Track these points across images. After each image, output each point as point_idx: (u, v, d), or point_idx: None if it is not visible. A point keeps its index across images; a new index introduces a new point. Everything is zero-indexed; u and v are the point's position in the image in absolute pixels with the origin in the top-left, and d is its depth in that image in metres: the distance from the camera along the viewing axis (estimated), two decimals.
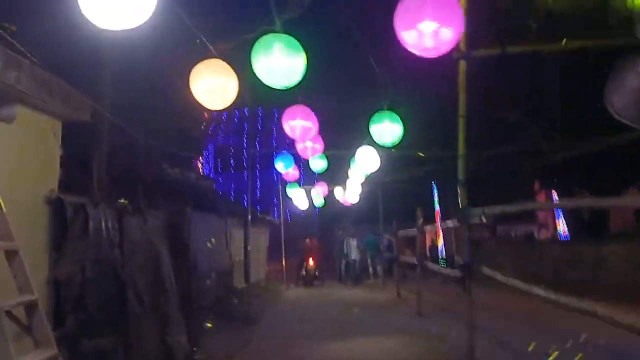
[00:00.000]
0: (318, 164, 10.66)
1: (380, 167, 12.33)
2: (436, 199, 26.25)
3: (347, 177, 13.71)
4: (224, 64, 4.16)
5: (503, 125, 15.09)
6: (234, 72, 4.22)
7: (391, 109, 6.50)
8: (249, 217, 10.84)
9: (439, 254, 23.97)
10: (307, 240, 17.94)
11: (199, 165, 28.30)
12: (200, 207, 10.11)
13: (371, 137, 6.69)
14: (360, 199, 15.98)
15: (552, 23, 7.38)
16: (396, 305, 11.17)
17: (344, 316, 9.69)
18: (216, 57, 4.17)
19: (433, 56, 4.18)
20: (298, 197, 16.08)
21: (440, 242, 24.63)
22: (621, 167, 14.81)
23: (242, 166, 29.28)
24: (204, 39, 4.18)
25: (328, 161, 10.80)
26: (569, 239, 19.76)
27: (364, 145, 8.65)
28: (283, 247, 19.25)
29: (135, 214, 5.15)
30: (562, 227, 23.21)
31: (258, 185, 29.00)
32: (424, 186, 24.00)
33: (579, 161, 14.52)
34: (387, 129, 6.39)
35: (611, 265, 11.11)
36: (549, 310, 5.90)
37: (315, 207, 20.73)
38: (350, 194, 14.94)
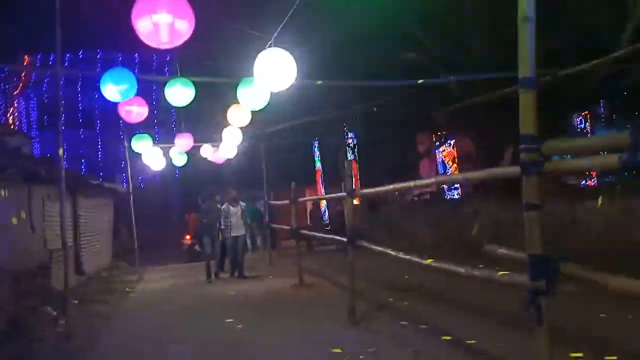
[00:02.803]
0: (179, 93, 6.57)
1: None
2: (317, 157, 23.33)
3: (225, 124, 9.77)
4: None
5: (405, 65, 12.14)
6: None
7: None
8: (62, 181, 6.37)
9: (322, 218, 21.22)
10: (186, 215, 16.70)
11: (10, 119, 21.88)
12: None
13: None
14: (237, 154, 12.10)
15: None
16: (307, 301, 7.71)
17: (233, 337, 5.96)
18: None
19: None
20: (149, 155, 11.60)
21: (323, 205, 21.86)
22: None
23: (78, 123, 23.30)
24: None
25: (196, 90, 6.74)
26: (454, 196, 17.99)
27: (269, 49, 4.88)
28: (134, 222, 14.76)
29: None
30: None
31: (99, 145, 23.31)
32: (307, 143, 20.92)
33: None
34: None
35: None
36: None
37: (175, 168, 16.33)
38: (227, 145, 10.93)
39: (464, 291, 6.29)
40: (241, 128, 10.02)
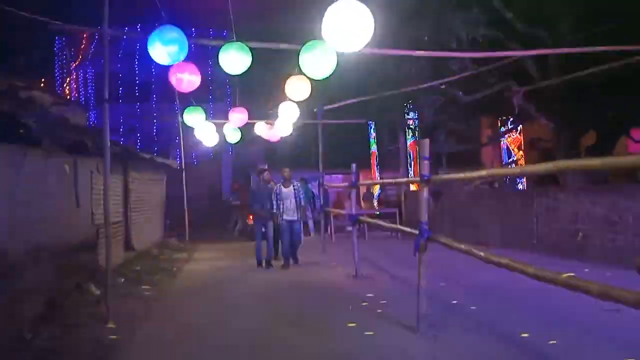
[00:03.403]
0: (235, 59, 5.87)
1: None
2: (372, 138, 22.38)
3: (282, 99, 9.08)
4: None
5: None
6: None
7: None
8: (108, 154, 5.87)
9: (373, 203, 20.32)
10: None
11: (66, 90, 22.07)
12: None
13: None
14: (292, 133, 11.40)
15: None
16: (366, 298, 6.94)
17: (278, 341, 5.30)
18: None
19: None
20: (202, 130, 11.08)
21: (377, 190, 20.95)
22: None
23: (134, 97, 23.30)
24: None
25: (253, 59, 6.01)
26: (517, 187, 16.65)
27: (342, 0, 4.05)
28: (185, 199, 14.48)
29: None
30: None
31: (154, 120, 23.22)
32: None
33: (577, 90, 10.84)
34: None
35: None
36: None
37: (229, 145, 15.89)
38: (283, 122, 10.22)
39: (549, 295, 5.34)
40: (298, 104, 9.31)
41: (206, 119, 10.80)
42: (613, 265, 7.51)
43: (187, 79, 6.38)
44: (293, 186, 9.69)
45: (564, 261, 8.10)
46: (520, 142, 21.04)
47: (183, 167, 13.82)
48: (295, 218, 9.69)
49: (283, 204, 9.51)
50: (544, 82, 10.74)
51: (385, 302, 6.46)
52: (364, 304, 6.39)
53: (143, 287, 8.08)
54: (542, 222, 9.37)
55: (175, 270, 9.94)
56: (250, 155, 19.95)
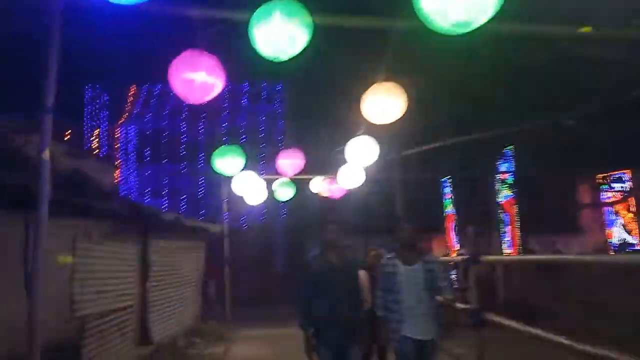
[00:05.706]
0: (279, 33, 3.18)
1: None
2: (447, 198, 19.10)
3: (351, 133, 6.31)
4: None
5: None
6: None
7: None
8: (44, 196, 3.14)
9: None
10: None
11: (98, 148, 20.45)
12: None
13: None
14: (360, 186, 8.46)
15: None
16: None
17: None
18: None
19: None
20: (241, 180, 8.36)
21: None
22: None
23: (179, 157, 21.42)
24: None
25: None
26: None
27: None
28: (228, 272, 11.77)
29: None
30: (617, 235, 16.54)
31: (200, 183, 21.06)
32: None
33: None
34: None
35: None
36: None
37: (280, 204, 13.20)
38: (353, 167, 7.34)
39: None
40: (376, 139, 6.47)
41: (246, 167, 7.90)
42: None
43: (202, 81, 3.70)
44: (425, 261, 4.30)
45: None
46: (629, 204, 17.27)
47: (226, 232, 11.18)
48: (429, 337, 4.19)
49: (403, 302, 4.21)
50: None
51: None
52: None
53: None
54: None
55: None
56: (307, 218, 17.18)
